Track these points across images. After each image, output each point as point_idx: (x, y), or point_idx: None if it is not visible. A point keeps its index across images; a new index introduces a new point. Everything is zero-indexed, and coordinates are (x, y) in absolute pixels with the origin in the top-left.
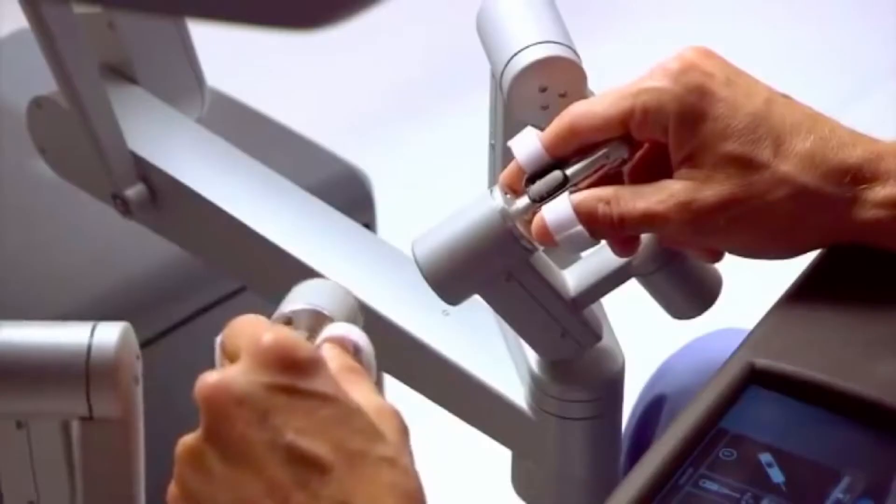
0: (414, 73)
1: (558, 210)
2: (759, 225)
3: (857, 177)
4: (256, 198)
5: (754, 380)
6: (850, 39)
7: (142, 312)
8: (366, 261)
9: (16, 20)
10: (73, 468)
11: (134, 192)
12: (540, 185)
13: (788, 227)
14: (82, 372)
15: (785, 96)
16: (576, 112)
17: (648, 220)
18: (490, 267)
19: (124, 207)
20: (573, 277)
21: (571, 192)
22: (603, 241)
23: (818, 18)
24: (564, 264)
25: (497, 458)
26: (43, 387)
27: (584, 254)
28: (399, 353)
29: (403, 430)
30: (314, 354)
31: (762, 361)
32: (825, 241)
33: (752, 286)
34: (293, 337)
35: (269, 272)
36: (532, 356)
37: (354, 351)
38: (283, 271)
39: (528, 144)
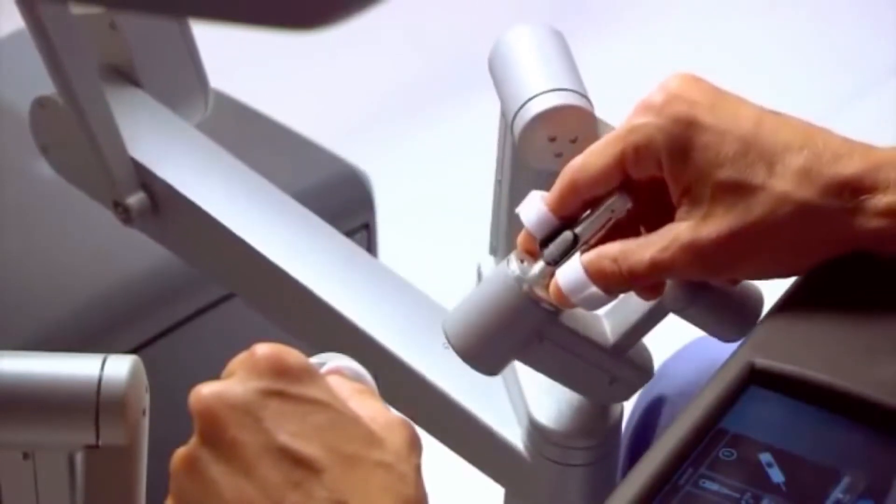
0: (414, 73)
1: (570, 273)
2: (763, 250)
3: (856, 188)
4: (256, 213)
5: (754, 380)
6: (850, 39)
7: (141, 312)
8: (367, 288)
9: (16, 20)
10: (76, 496)
11: (135, 199)
12: (552, 249)
13: (792, 246)
14: (93, 405)
15: (775, 113)
16: (574, 169)
17: (656, 269)
18: (517, 334)
19: (126, 215)
20: (610, 323)
21: (582, 252)
22: None
23: (818, 18)
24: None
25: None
26: (53, 419)
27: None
28: (397, 384)
29: (412, 443)
30: (306, 362)
31: (762, 361)
32: (830, 253)
33: None
34: (286, 347)
35: (266, 291)
36: (531, 400)
37: (355, 378)
38: (281, 291)
39: (534, 210)
